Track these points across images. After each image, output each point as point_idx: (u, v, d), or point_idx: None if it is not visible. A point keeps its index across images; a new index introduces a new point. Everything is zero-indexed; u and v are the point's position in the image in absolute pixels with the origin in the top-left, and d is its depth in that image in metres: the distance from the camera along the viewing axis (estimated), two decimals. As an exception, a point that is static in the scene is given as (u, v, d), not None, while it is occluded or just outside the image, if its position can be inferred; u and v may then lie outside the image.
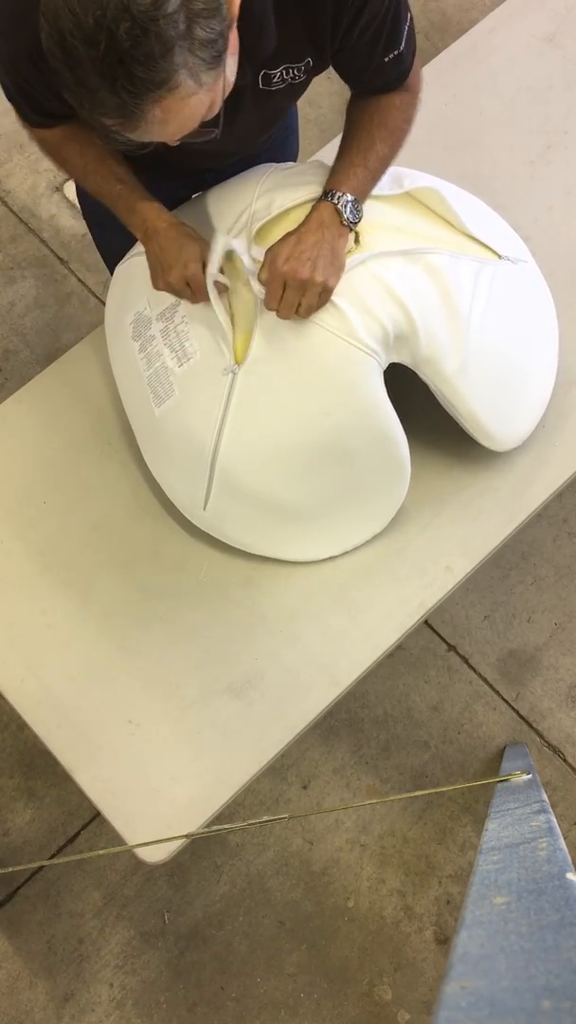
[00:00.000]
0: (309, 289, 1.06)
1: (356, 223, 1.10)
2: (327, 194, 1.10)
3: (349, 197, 1.09)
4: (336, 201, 1.09)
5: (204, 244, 1.11)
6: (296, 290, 1.06)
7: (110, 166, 1.11)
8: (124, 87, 0.74)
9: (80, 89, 0.76)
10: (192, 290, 1.11)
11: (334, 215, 1.09)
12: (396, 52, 1.07)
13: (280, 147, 1.41)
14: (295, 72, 1.04)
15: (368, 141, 1.12)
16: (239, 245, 1.15)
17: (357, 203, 1.10)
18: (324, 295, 1.08)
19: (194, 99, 0.79)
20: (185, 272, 1.09)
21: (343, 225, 1.09)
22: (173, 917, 1.74)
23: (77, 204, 2.12)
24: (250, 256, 1.15)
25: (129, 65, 0.72)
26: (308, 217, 1.10)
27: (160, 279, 1.11)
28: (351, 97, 1.17)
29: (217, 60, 0.78)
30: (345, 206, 1.09)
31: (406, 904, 1.76)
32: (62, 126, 1.09)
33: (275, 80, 1.03)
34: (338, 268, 1.09)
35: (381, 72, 1.09)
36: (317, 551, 1.29)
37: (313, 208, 1.10)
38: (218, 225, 1.21)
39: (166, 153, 1.08)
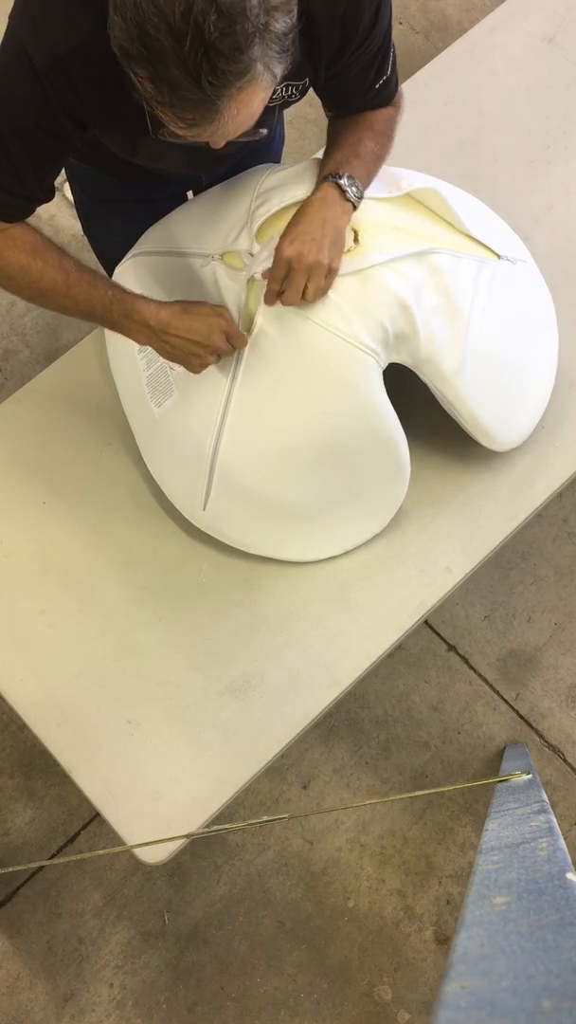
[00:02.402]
0: (316, 271, 1.04)
1: (360, 199, 1.09)
2: (327, 177, 1.10)
3: (349, 176, 1.09)
4: (338, 179, 1.08)
5: (204, 303, 1.11)
6: (303, 273, 1.04)
7: (90, 272, 1.07)
8: (208, 80, 0.75)
9: (160, 85, 0.76)
10: (234, 342, 1.11)
11: (336, 192, 1.08)
12: (384, 78, 1.09)
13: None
14: (292, 90, 1.04)
15: (356, 138, 1.13)
16: (243, 245, 1.16)
17: (357, 182, 1.09)
18: (330, 277, 1.07)
19: (265, 91, 0.80)
20: (222, 329, 1.08)
21: (346, 201, 1.08)
22: (173, 917, 1.74)
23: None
24: (250, 254, 1.15)
25: (214, 58, 0.73)
26: (309, 199, 1.09)
27: (204, 355, 1.09)
28: (331, 119, 1.17)
29: (286, 53, 0.80)
30: (347, 183, 1.08)
31: (406, 904, 1.76)
32: (33, 234, 1.04)
33: (275, 96, 1.03)
34: (340, 249, 1.08)
35: (370, 97, 1.11)
36: (317, 551, 1.29)
37: (315, 190, 1.10)
38: (219, 225, 1.21)
39: (162, 161, 1.08)
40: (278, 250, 1.05)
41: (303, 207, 1.08)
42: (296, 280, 1.05)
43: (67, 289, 1.05)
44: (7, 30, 0.90)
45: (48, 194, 1.04)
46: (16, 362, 2.12)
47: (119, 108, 0.92)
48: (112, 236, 1.40)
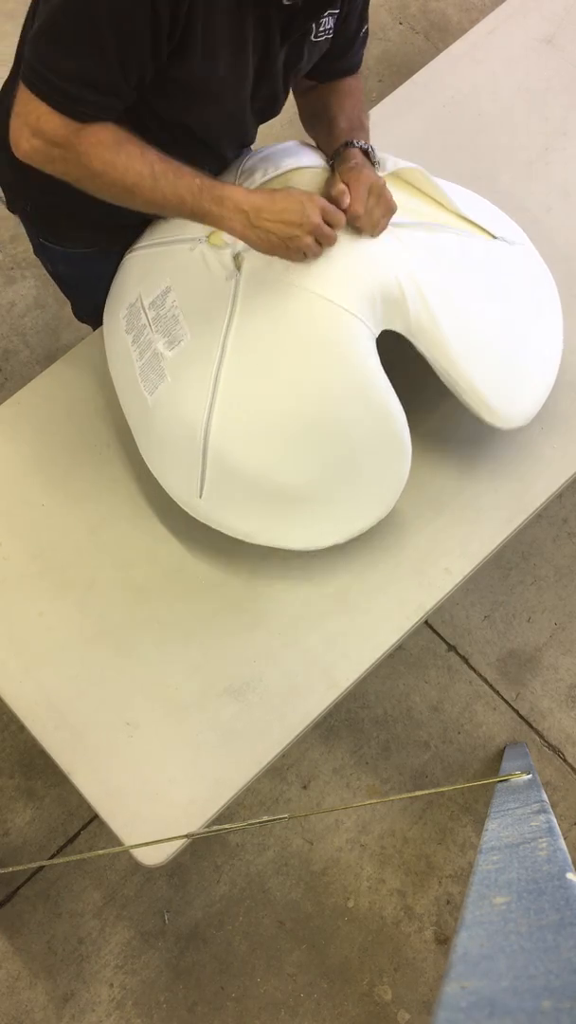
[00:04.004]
0: (385, 200, 1.09)
1: (377, 163, 1.17)
2: (346, 144, 1.15)
3: (366, 142, 1.17)
4: (360, 145, 1.15)
5: (292, 188, 1.10)
6: (379, 197, 1.08)
7: (175, 162, 1.02)
8: None
9: None
10: (330, 217, 1.06)
11: (363, 156, 1.14)
12: (366, 27, 1.14)
13: None
14: (327, 24, 1.07)
15: (352, 107, 1.20)
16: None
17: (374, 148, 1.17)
18: (387, 216, 1.11)
19: None
20: (317, 205, 1.04)
21: (374, 163, 1.16)
22: (173, 917, 1.74)
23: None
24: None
25: None
26: (344, 161, 1.13)
27: (301, 235, 1.04)
28: (303, 102, 1.23)
29: None
30: (368, 148, 1.16)
31: (406, 904, 1.76)
32: (115, 128, 0.99)
33: (320, 31, 1.07)
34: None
35: (355, 48, 1.16)
36: (320, 538, 1.24)
37: (344, 155, 1.14)
38: None
39: (212, 126, 1.09)
40: (355, 178, 1.08)
41: (354, 166, 1.12)
42: (383, 203, 1.09)
43: (153, 182, 1.01)
44: None
45: (134, 93, 1.00)
46: (16, 362, 2.12)
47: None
48: (96, 294, 1.40)
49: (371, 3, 1.16)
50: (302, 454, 1.16)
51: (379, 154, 1.23)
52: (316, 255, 1.07)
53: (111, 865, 1.77)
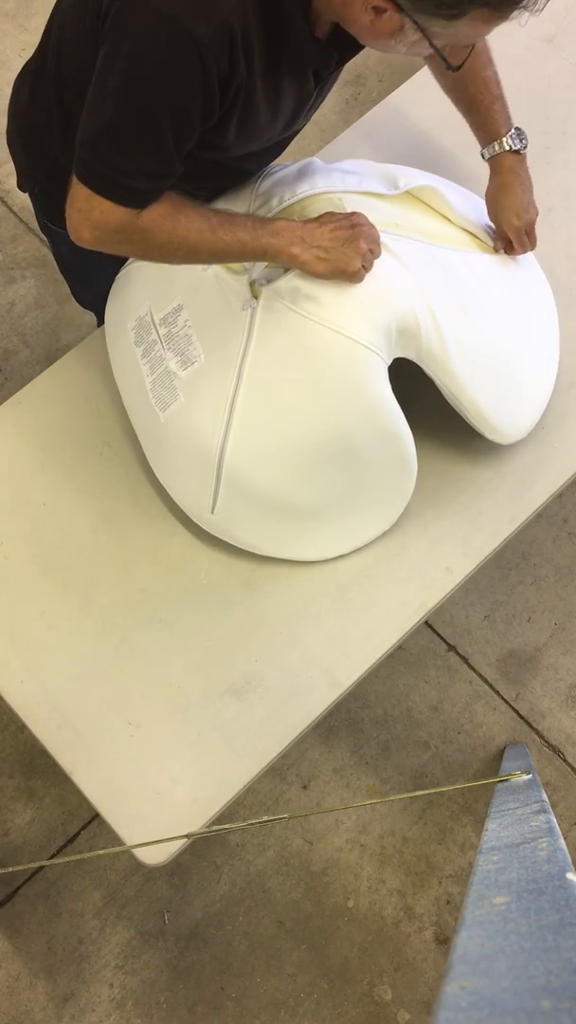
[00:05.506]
0: (533, 228, 1.27)
1: (525, 143, 1.25)
2: (493, 143, 1.24)
3: (508, 132, 1.24)
4: (506, 146, 1.24)
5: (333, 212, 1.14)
6: (533, 233, 1.27)
7: (226, 212, 1.07)
8: None
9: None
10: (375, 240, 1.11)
11: (513, 157, 1.24)
12: None
13: None
14: None
15: (482, 74, 1.24)
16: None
17: (516, 131, 1.24)
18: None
19: None
20: (366, 228, 1.09)
21: (521, 155, 1.25)
22: (173, 917, 1.74)
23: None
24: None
25: None
26: (501, 171, 1.25)
27: (356, 236, 1.07)
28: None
29: None
30: (510, 140, 1.24)
31: (406, 904, 1.76)
32: (166, 196, 1.02)
33: None
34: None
35: None
36: (326, 550, 1.28)
37: (496, 162, 1.25)
38: None
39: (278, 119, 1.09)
40: (507, 223, 1.25)
41: (506, 183, 1.25)
42: (532, 240, 1.28)
43: (213, 234, 1.04)
44: (140, 15, 0.87)
45: (182, 166, 1.02)
46: (16, 362, 2.12)
47: (279, 60, 0.96)
48: (93, 283, 1.41)
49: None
50: (315, 477, 1.19)
51: (393, 169, 1.25)
52: (375, 257, 1.10)
53: (111, 865, 1.77)
